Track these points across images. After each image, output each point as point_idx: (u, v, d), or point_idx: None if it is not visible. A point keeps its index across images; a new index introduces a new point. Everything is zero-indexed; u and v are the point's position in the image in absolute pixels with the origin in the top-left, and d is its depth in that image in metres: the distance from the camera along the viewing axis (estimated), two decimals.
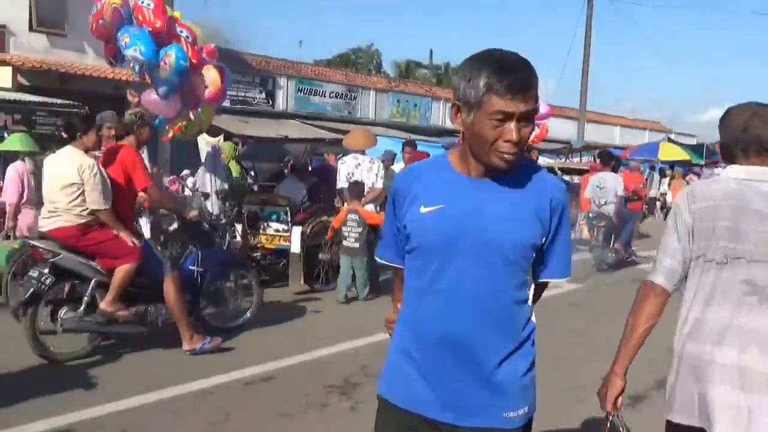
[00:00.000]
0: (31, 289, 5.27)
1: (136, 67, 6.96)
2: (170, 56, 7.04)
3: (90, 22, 7.11)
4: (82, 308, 5.49)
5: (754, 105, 2.43)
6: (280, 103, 23.20)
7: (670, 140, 26.63)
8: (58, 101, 14.50)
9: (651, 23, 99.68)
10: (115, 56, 7.34)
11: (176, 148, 17.10)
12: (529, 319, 2.28)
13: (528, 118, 1.92)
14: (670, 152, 23.81)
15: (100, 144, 6.90)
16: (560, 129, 33.04)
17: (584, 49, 27.07)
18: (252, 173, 12.70)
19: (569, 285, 9.68)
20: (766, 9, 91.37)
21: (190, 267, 6.19)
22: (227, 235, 8.82)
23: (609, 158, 12.14)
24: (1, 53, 16.22)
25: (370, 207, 8.33)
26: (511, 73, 1.88)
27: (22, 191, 7.70)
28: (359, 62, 45.64)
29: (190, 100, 7.77)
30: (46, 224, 5.50)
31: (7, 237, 7.59)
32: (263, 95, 22.65)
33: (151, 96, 7.23)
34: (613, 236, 11.53)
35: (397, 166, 9.67)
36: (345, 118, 24.73)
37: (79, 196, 5.40)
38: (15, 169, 7.78)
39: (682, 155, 24.10)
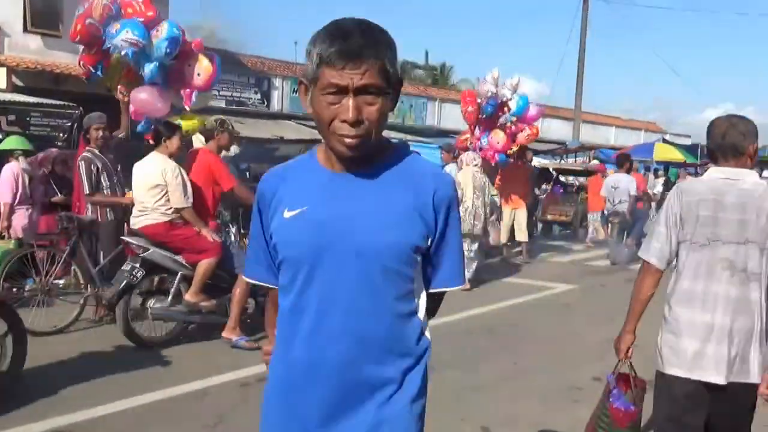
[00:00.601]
0: (125, 281, 5.84)
1: (129, 52, 6.88)
2: (162, 26, 7.04)
3: (73, 26, 7.07)
4: (169, 299, 6.04)
5: (731, 117, 3.01)
6: (276, 104, 23.17)
7: (665, 141, 26.67)
8: (53, 102, 14.47)
9: (647, 23, 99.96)
10: (95, 65, 7.31)
11: None
12: (422, 335, 1.86)
13: (372, 92, 1.63)
14: (665, 153, 23.83)
15: (88, 144, 6.90)
16: (555, 129, 33.10)
17: (579, 50, 27.10)
18: (247, 174, 12.70)
19: (564, 285, 9.72)
20: (763, 9, 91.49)
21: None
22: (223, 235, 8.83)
23: (624, 160, 12.82)
24: None
25: None
26: (343, 39, 1.60)
27: (17, 191, 7.69)
28: None
29: (180, 88, 7.73)
30: (136, 222, 6.07)
31: (1, 237, 7.57)
32: (258, 96, 22.62)
33: (140, 95, 7.21)
34: (626, 232, 12.23)
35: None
36: None
37: (163, 196, 5.96)
38: (11, 170, 7.77)
39: (677, 156, 24.14)
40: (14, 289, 6.51)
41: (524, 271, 10.98)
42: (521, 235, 11.78)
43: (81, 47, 7.40)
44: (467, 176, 9.39)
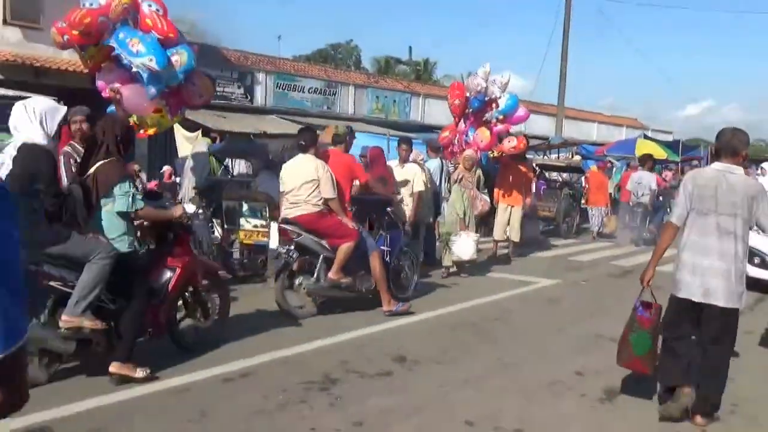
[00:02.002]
0: (283, 261, 6.99)
1: (145, 75, 6.92)
2: (182, 55, 7.07)
3: (79, 15, 6.96)
4: (314, 277, 7.07)
5: (735, 129, 4.51)
6: (259, 99, 23.08)
7: (646, 137, 26.83)
8: (33, 96, 14.33)
9: (629, 20, 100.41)
10: (81, 47, 7.24)
11: (152, 144, 16.98)
12: None
13: None
14: (646, 149, 23.97)
15: (70, 137, 6.82)
16: (538, 125, 33.19)
17: (562, 46, 27.18)
18: (230, 169, 12.65)
19: (548, 281, 9.77)
20: (743, 6, 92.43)
21: (381, 247, 7.61)
22: (206, 231, 8.79)
23: (647, 160, 15.39)
24: None
25: None
26: None
27: None
28: (338, 58, 45.55)
29: (174, 103, 7.74)
30: (290, 213, 7.05)
31: None
32: (242, 91, 22.52)
33: (131, 92, 7.16)
34: (648, 219, 14.61)
35: (392, 163, 9.62)
36: (324, 113, 24.66)
37: (315, 189, 6.96)
38: None
39: (659, 152, 24.26)
40: None
41: (508, 266, 11.01)
42: (514, 235, 11.70)
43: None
44: (410, 173, 9.37)
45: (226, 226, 9.13)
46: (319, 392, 4.88)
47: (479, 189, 10.51)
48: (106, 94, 7.50)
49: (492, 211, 11.61)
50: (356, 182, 7.77)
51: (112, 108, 7.29)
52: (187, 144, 12.65)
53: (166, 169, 15.81)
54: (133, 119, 7.66)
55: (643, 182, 14.49)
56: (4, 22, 16.70)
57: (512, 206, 11.62)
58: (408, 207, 9.14)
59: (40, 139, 4.67)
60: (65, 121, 6.65)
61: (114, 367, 4.81)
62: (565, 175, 19.52)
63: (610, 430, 4.51)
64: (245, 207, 9.14)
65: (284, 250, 6.99)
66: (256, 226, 9.01)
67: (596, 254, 13.03)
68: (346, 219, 7.19)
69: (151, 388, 4.82)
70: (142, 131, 8.13)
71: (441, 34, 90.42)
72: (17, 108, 4.78)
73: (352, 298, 7.33)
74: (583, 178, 18.12)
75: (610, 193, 16.96)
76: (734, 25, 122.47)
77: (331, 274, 7.03)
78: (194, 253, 5.94)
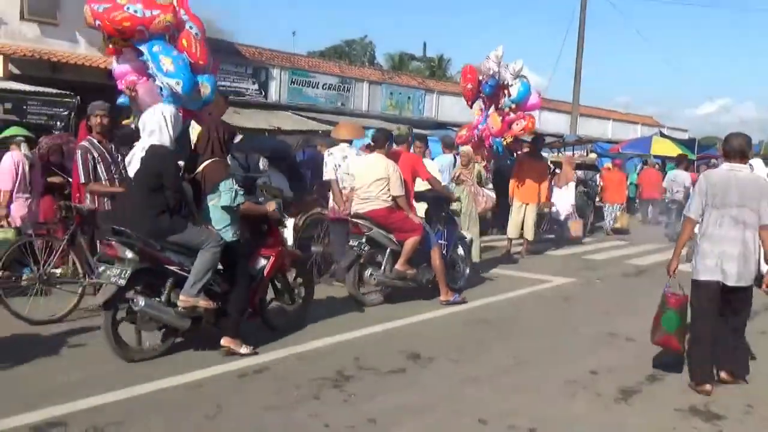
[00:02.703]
0: (354, 255, 7.42)
1: (167, 94, 6.98)
2: (206, 87, 7.16)
3: (118, 15, 6.97)
4: (382, 269, 7.56)
5: (743, 134, 5.34)
6: (273, 95, 23.10)
7: (662, 135, 26.67)
8: (50, 90, 14.41)
9: (644, 17, 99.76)
10: (109, 36, 7.29)
11: None
12: None
13: None
14: (662, 147, 23.81)
15: (90, 131, 6.87)
16: (553, 123, 33.03)
17: (577, 43, 27.05)
18: (244, 165, 12.63)
19: (562, 279, 9.74)
20: (761, 4, 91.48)
21: (440, 241, 8.06)
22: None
23: (682, 160, 16.88)
24: None
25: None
26: None
27: (17, 180, 7.66)
28: (353, 54, 45.51)
29: (183, 115, 7.79)
30: (361, 208, 7.54)
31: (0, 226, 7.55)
32: (256, 86, 22.54)
33: (146, 87, 7.20)
34: (682, 215, 14.79)
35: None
36: (338, 109, 24.65)
37: (385, 186, 7.42)
38: (11, 158, 7.74)
39: (675, 150, 24.10)
40: (12, 278, 6.49)
41: (522, 264, 10.98)
42: (528, 233, 11.67)
43: (79, 36, 7.33)
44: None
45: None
46: (332, 389, 4.89)
47: (481, 184, 10.52)
48: (121, 85, 7.54)
49: (506, 206, 11.60)
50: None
51: (121, 100, 7.32)
52: None
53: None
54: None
55: (678, 180, 15.40)
56: (22, 17, 16.78)
57: (527, 204, 11.57)
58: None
59: (166, 141, 5.41)
60: (87, 116, 6.75)
61: (225, 341, 5.49)
62: (579, 172, 19.42)
63: (625, 430, 4.48)
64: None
65: (356, 244, 7.47)
66: None
67: (611, 253, 12.96)
68: (412, 215, 7.71)
69: (167, 383, 4.85)
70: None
71: (455, 31, 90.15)
72: (155, 113, 5.46)
73: (414, 287, 7.78)
74: (597, 176, 18.04)
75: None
76: (751, 22, 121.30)
77: (398, 266, 7.52)
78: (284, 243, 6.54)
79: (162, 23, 6.93)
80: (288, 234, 8.38)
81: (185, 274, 5.36)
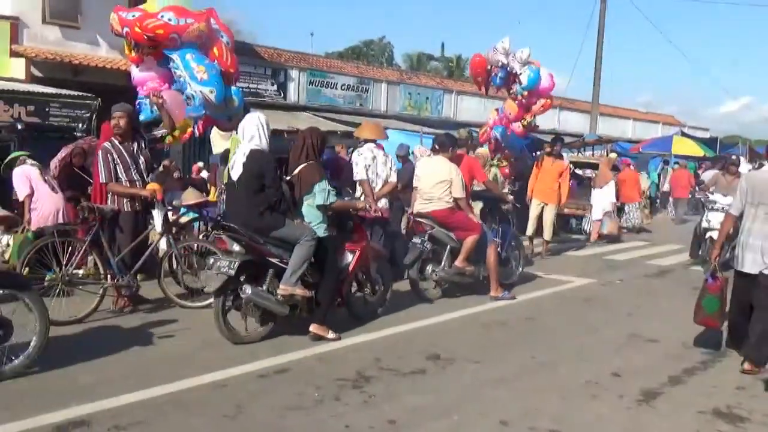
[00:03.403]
0: (418, 251, 7.75)
1: (198, 102, 7.04)
2: (234, 101, 7.21)
3: (152, 23, 7.03)
4: (443, 265, 7.91)
5: None
6: (292, 96, 23.18)
7: (683, 134, 26.45)
8: (71, 93, 14.55)
9: (666, 16, 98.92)
10: (137, 46, 7.34)
11: (187, 141, 17.13)
12: None
13: None
14: (683, 146, 23.64)
15: (110, 133, 6.91)
16: (573, 122, 32.87)
17: (597, 43, 26.86)
18: None
19: (583, 280, 9.67)
20: None
21: (495, 239, 8.49)
22: None
23: (718, 160, 17.80)
24: (14, 45, 16.27)
25: (383, 201, 8.29)
26: None
27: (33, 186, 7.75)
28: (371, 54, 45.56)
29: (204, 123, 7.86)
30: (423, 208, 7.93)
31: (17, 231, 7.63)
32: (275, 87, 22.63)
33: (171, 98, 7.26)
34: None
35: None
36: (357, 110, 24.68)
37: (447, 188, 7.80)
38: (21, 170, 7.85)
39: (696, 149, 23.93)
40: (35, 279, 6.55)
41: (542, 264, 10.91)
42: (547, 233, 11.61)
43: (100, 39, 7.41)
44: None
45: None
46: (352, 389, 4.89)
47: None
48: (143, 91, 7.58)
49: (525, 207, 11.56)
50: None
51: (143, 117, 7.38)
52: (222, 141, 12.75)
53: (195, 165, 16.02)
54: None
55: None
56: (44, 21, 16.96)
57: (546, 204, 11.51)
58: None
59: (264, 145, 5.94)
60: (109, 118, 6.79)
61: (314, 328, 6.02)
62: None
63: None
64: None
65: (419, 241, 7.83)
66: None
67: (632, 253, 12.86)
68: (471, 214, 8.14)
69: (188, 383, 4.87)
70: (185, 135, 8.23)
71: (474, 30, 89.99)
72: (252, 121, 6.00)
73: (471, 283, 8.17)
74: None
75: (646, 190, 17.62)
76: None
77: (457, 263, 7.87)
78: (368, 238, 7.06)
79: (195, 32, 6.99)
80: None
81: (283, 265, 5.93)
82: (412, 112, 27.00)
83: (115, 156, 6.75)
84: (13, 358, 4.84)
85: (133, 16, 7.16)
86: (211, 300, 6.90)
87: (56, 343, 5.66)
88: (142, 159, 6.90)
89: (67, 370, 5.03)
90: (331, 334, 6.06)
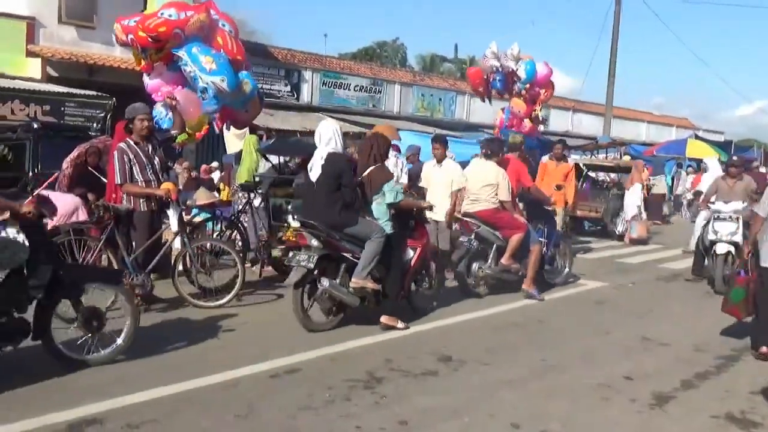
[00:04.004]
0: (464, 250, 8.17)
1: (211, 92, 7.06)
2: (247, 85, 7.24)
3: (153, 23, 7.06)
4: (489, 262, 8.28)
5: None
6: (305, 96, 23.24)
7: (697, 137, 26.30)
8: (87, 92, 14.66)
9: (680, 18, 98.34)
10: (143, 49, 7.38)
11: (201, 141, 17.21)
12: None
13: None
14: (697, 149, 23.51)
15: (129, 134, 6.94)
16: (586, 125, 32.74)
17: (611, 45, 26.79)
18: (277, 166, 12.72)
19: (595, 283, 9.64)
20: None
21: (540, 238, 8.80)
22: (251, 227, 8.88)
23: (743, 163, 18.30)
24: (31, 45, 16.41)
25: None
26: None
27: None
28: (384, 56, 45.56)
29: (222, 116, 7.87)
30: (470, 208, 8.34)
31: None
32: (288, 88, 22.70)
33: (184, 98, 7.29)
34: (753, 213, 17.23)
35: (429, 163, 9.53)
36: (370, 111, 24.72)
37: (494, 191, 8.21)
38: None
39: (710, 152, 23.76)
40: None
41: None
42: None
43: (115, 39, 7.45)
44: (450, 171, 9.29)
45: (272, 223, 9.19)
46: (364, 390, 4.90)
47: None
48: (157, 97, 7.62)
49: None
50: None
51: (157, 113, 7.41)
52: (236, 141, 12.80)
53: (205, 166, 16.08)
54: (181, 139, 7.78)
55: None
56: (60, 21, 17.10)
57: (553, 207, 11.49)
58: (440, 207, 8.75)
59: (340, 149, 6.47)
60: (127, 118, 6.83)
61: (384, 319, 6.47)
62: (613, 175, 19.24)
63: None
64: (292, 204, 9.20)
65: (466, 239, 8.23)
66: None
67: (644, 257, 12.80)
68: (517, 214, 8.53)
69: (200, 382, 4.89)
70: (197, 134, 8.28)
71: (487, 32, 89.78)
72: (329, 126, 6.56)
73: (516, 280, 8.47)
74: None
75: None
76: None
77: (503, 260, 8.26)
78: (428, 236, 7.43)
79: (197, 23, 7.02)
80: None
81: (355, 260, 6.36)
82: (424, 113, 27.01)
83: (132, 156, 6.78)
84: (101, 348, 5.19)
85: (135, 21, 7.21)
86: (223, 300, 7.03)
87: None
88: (156, 159, 6.93)
89: (80, 367, 5.07)
90: (400, 324, 6.51)
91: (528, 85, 11.93)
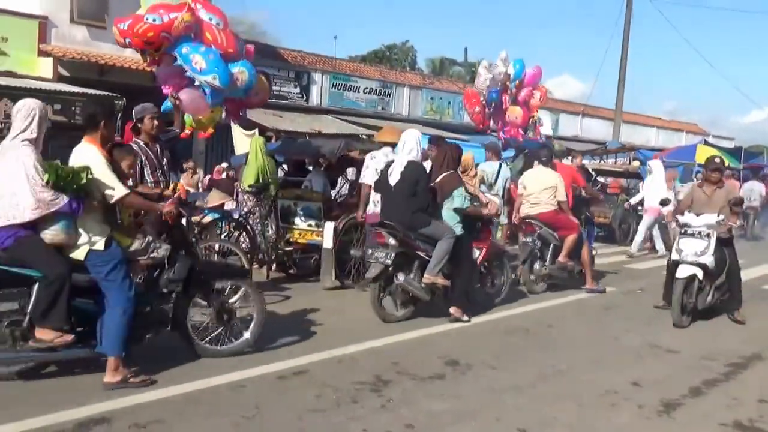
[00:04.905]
0: (528, 250, 8.87)
1: (208, 90, 7.08)
2: (243, 74, 7.26)
3: (142, 29, 7.08)
4: (547, 261, 8.97)
5: None
6: (315, 99, 23.27)
7: (707, 143, 26.18)
8: (98, 92, 14.71)
9: (693, 25, 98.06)
10: (141, 51, 7.41)
11: (210, 141, 17.25)
12: None
13: None
14: (707, 155, 23.35)
15: (137, 134, 6.95)
16: (596, 130, 32.66)
17: (622, 49, 26.75)
18: (285, 167, 12.73)
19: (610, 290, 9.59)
20: None
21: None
22: (260, 228, 8.89)
23: (758, 171, 20.41)
24: (42, 44, 16.48)
25: None
26: None
27: None
28: (394, 58, 45.59)
29: (233, 108, 7.88)
30: (531, 210, 9.01)
31: None
32: (298, 90, 22.73)
33: (188, 95, 7.30)
34: (755, 222, 18.49)
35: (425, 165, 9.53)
36: (379, 114, 24.73)
37: (553, 193, 8.94)
38: None
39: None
40: None
41: None
42: None
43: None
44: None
45: (280, 225, 9.21)
46: (371, 393, 4.90)
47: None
48: (167, 90, 7.65)
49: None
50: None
51: (164, 107, 7.43)
52: (245, 139, 12.83)
53: (218, 167, 16.10)
54: (189, 122, 7.80)
55: (755, 189, 18.82)
56: (71, 20, 17.17)
57: None
58: None
59: (419, 158, 7.18)
60: (136, 118, 6.84)
61: (454, 311, 7.06)
62: (622, 180, 19.17)
63: None
64: (300, 206, 9.22)
65: (530, 240, 8.90)
66: (310, 225, 9.07)
67: (653, 262, 12.74)
68: (571, 216, 9.13)
69: (207, 383, 4.90)
70: (201, 132, 8.29)
71: (497, 36, 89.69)
72: (413, 136, 7.25)
73: (567, 277, 9.18)
74: (640, 184, 17.78)
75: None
76: None
77: (560, 258, 8.93)
78: (492, 237, 8.08)
79: (182, 24, 7.01)
80: (327, 237, 8.44)
81: (427, 258, 6.93)
82: (433, 116, 27.00)
83: (143, 157, 6.78)
84: (233, 339, 5.59)
85: (128, 24, 7.23)
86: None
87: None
88: (165, 160, 6.94)
89: (88, 367, 5.08)
90: (465, 316, 7.07)
91: (517, 82, 11.99)
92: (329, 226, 8.50)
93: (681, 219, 8.00)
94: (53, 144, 9.65)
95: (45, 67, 16.37)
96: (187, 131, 7.80)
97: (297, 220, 9.22)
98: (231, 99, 7.75)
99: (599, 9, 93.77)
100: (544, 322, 7.47)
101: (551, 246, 8.97)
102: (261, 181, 8.88)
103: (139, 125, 6.87)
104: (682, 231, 7.89)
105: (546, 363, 5.87)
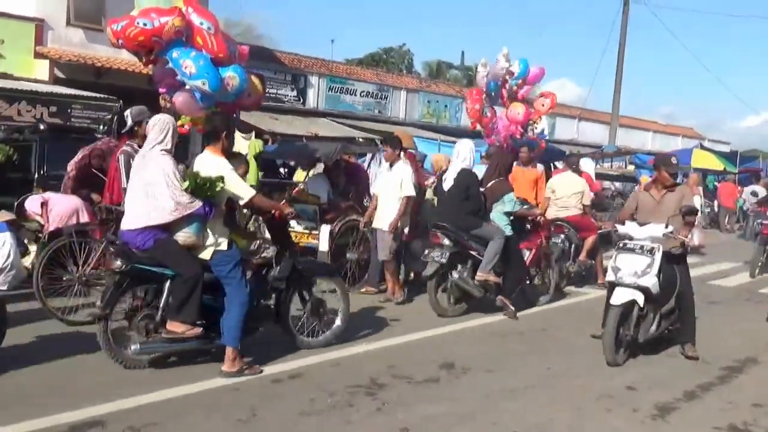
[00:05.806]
0: (559, 250, 9.17)
1: (198, 95, 7.08)
2: (234, 79, 7.25)
3: (133, 33, 7.07)
4: (570, 260, 9.59)
5: None
6: (311, 102, 23.27)
7: (703, 147, 26.24)
8: (94, 95, 14.68)
9: (689, 28, 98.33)
10: (136, 53, 7.41)
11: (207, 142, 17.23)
12: None
13: None
14: (703, 159, 23.42)
15: (131, 137, 6.94)
16: (592, 133, 32.70)
17: (618, 53, 26.79)
18: (283, 170, 12.74)
19: (599, 292, 9.55)
20: None
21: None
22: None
23: (760, 175, 21.66)
24: (39, 46, 16.46)
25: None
26: None
27: None
28: (390, 62, 45.62)
29: (227, 109, 7.87)
30: (561, 213, 9.61)
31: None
32: (294, 93, 22.72)
33: (181, 98, 7.29)
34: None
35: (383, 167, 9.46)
36: (376, 117, 24.74)
37: (580, 198, 9.66)
38: None
39: (716, 163, 23.71)
40: (52, 279, 6.59)
41: None
42: None
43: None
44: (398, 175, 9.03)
45: None
46: (366, 396, 4.89)
47: None
48: (162, 90, 7.65)
49: None
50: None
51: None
52: (243, 142, 12.82)
53: None
54: (184, 120, 7.79)
55: (760, 193, 19.75)
56: (68, 23, 17.15)
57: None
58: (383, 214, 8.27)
59: (471, 166, 7.77)
60: (134, 122, 6.84)
61: (501, 297, 7.63)
62: (617, 184, 19.21)
63: None
64: (296, 209, 9.18)
65: (559, 240, 9.32)
66: (306, 228, 9.06)
67: None
68: (591, 218, 10.04)
69: (203, 386, 4.90)
70: (198, 127, 8.27)
71: (494, 40, 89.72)
72: (466, 147, 7.84)
73: (584, 276, 9.97)
74: (636, 188, 17.84)
75: None
76: None
77: (581, 257, 9.66)
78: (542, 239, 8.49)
79: (172, 29, 7.00)
80: (323, 240, 8.42)
81: (480, 257, 7.48)
82: (430, 120, 27.02)
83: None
84: (323, 331, 6.06)
85: (121, 26, 7.22)
86: None
87: (72, 343, 5.71)
88: None
89: (83, 369, 5.08)
90: (512, 307, 7.63)
91: (520, 80, 11.99)
92: (325, 229, 8.49)
93: (621, 229, 6.40)
94: (49, 146, 9.69)
95: (41, 70, 16.33)
96: (186, 127, 7.80)
97: (293, 223, 9.20)
98: (223, 102, 7.74)
99: (596, 13, 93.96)
100: (540, 325, 7.47)
101: (573, 246, 9.62)
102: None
103: (135, 128, 6.87)
104: (620, 245, 6.34)
105: (542, 366, 5.87)
